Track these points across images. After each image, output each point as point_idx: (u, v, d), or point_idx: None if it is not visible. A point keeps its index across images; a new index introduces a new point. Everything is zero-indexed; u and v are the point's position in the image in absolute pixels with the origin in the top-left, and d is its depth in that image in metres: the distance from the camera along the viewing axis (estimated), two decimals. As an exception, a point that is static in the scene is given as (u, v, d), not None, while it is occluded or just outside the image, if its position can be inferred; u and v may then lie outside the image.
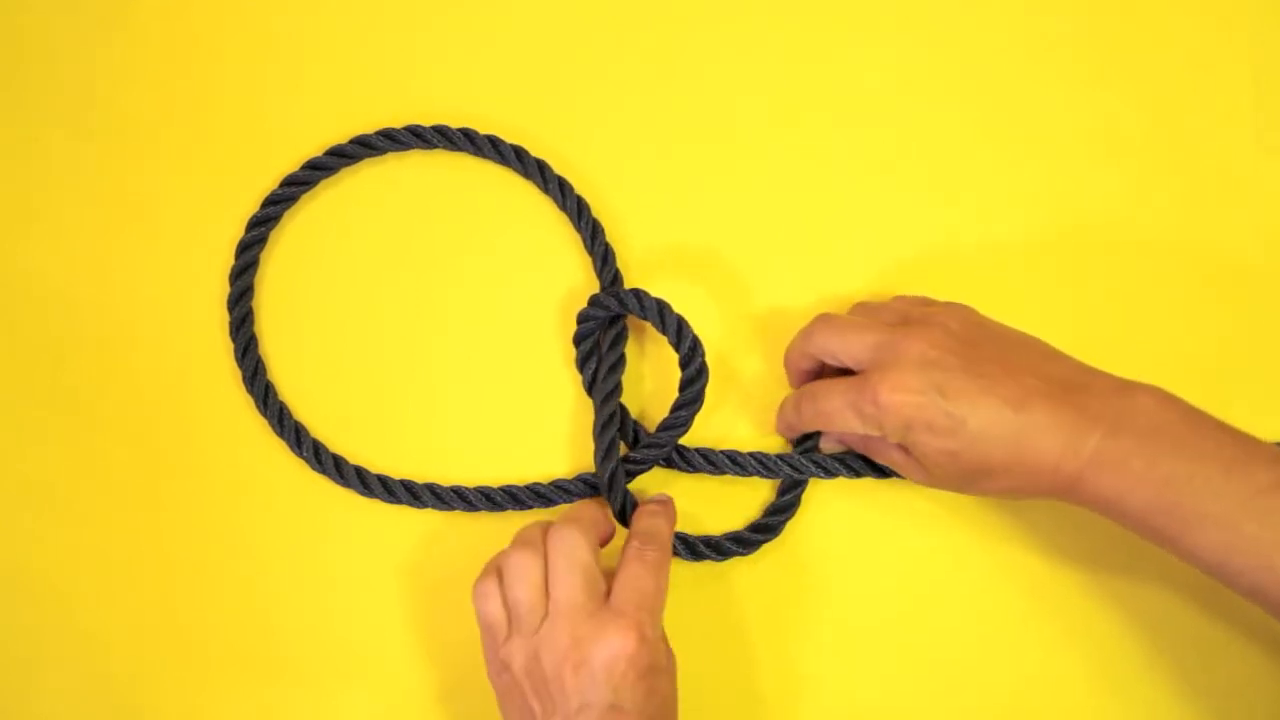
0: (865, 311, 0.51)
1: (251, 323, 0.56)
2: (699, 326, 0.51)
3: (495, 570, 0.47)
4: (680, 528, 0.52)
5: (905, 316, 0.49)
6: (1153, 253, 0.57)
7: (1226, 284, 0.56)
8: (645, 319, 0.51)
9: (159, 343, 0.56)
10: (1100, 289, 0.56)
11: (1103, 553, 0.51)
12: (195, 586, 0.54)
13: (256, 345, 0.56)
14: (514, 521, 0.52)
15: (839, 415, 0.47)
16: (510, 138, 0.57)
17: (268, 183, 0.58)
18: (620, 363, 0.52)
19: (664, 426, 0.51)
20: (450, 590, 0.51)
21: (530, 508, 0.53)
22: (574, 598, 0.45)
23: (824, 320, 0.49)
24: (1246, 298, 0.56)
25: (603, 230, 0.56)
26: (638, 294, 0.51)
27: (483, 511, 0.53)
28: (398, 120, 0.58)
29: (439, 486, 0.53)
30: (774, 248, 0.57)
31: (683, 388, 0.51)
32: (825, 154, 0.58)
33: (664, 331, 0.51)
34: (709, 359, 0.51)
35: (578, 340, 0.53)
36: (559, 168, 0.57)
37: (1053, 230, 0.57)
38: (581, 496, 0.53)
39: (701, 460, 0.52)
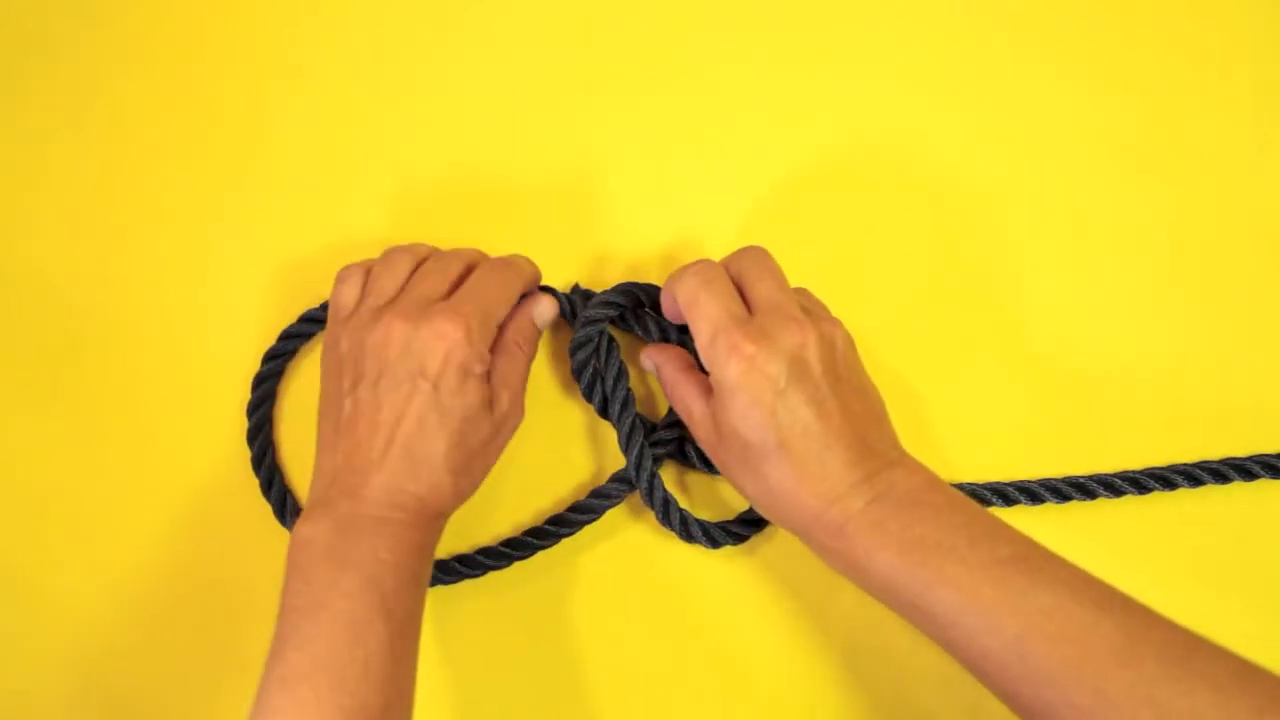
0: (785, 278, 0.50)
1: (273, 390, 0.56)
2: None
3: (369, 264, 0.50)
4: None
5: (808, 306, 0.49)
6: (1152, 252, 0.57)
7: (1226, 283, 0.56)
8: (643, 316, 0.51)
9: (160, 343, 0.56)
10: (1100, 288, 0.56)
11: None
12: (195, 587, 0.54)
13: (275, 387, 0.55)
14: (569, 548, 0.52)
15: (701, 320, 0.46)
16: (512, 138, 0.57)
17: (269, 182, 0.58)
18: (624, 371, 0.52)
19: (670, 423, 0.52)
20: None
21: (580, 526, 0.52)
22: (425, 292, 0.48)
23: (761, 251, 0.49)
24: (1246, 297, 0.56)
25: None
26: (638, 287, 0.52)
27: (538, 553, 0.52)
28: (396, 112, 0.58)
29: (465, 555, 0.52)
30: (773, 249, 0.57)
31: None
32: (823, 153, 0.58)
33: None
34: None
35: (578, 369, 0.52)
36: (560, 169, 0.57)
37: (1052, 230, 0.57)
38: (621, 497, 0.52)
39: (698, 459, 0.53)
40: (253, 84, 0.60)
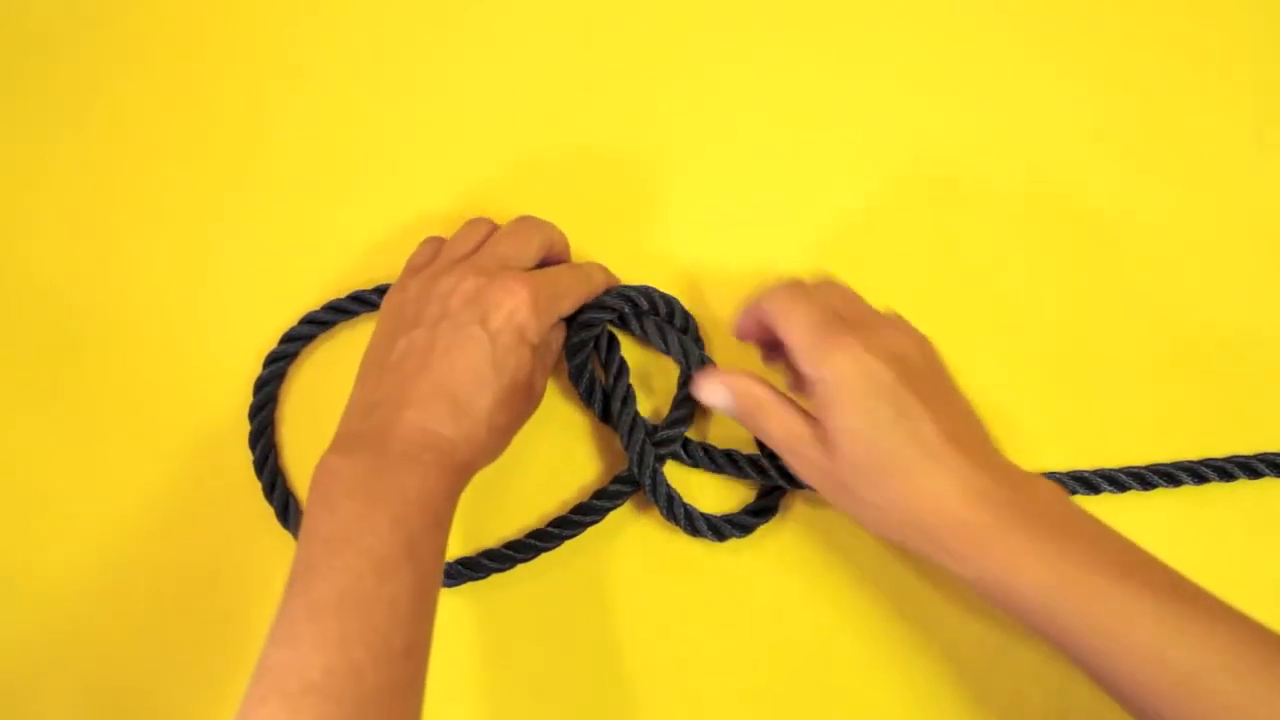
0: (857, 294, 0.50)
1: (274, 393, 0.56)
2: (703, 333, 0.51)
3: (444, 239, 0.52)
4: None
5: (893, 320, 0.48)
6: (1152, 251, 0.57)
7: (1225, 283, 0.57)
8: (648, 317, 0.52)
9: (160, 344, 0.56)
10: (1099, 288, 0.57)
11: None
12: (196, 590, 0.54)
13: (276, 390, 0.55)
14: (571, 550, 0.52)
15: (797, 323, 0.44)
16: (510, 137, 0.57)
17: (269, 183, 0.58)
18: (625, 368, 0.52)
19: (671, 422, 0.52)
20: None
21: (584, 528, 0.52)
22: (504, 253, 0.49)
23: (831, 278, 0.49)
24: (1246, 297, 0.56)
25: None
26: (637, 291, 0.52)
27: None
28: (395, 108, 0.58)
29: (468, 558, 0.52)
30: (771, 250, 0.57)
31: (675, 405, 0.52)
32: (825, 153, 0.58)
33: (672, 322, 0.52)
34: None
35: (576, 373, 0.52)
36: (559, 168, 0.57)
37: (1052, 229, 0.57)
38: (624, 498, 0.52)
39: (703, 455, 0.53)
40: (253, 84, 0.59)
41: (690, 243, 0.57)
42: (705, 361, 0.51)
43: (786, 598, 0.53)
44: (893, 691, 0.52)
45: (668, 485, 0.51)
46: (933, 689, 0.52)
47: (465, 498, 0.51)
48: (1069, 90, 0.59)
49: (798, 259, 0.57)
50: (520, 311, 0.46)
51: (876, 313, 0.47)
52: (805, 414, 0.45)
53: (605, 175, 0.58)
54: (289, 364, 0.55)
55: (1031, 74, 0.59)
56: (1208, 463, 0.54)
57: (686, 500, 0.52)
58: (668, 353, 0.52)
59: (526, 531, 0.53)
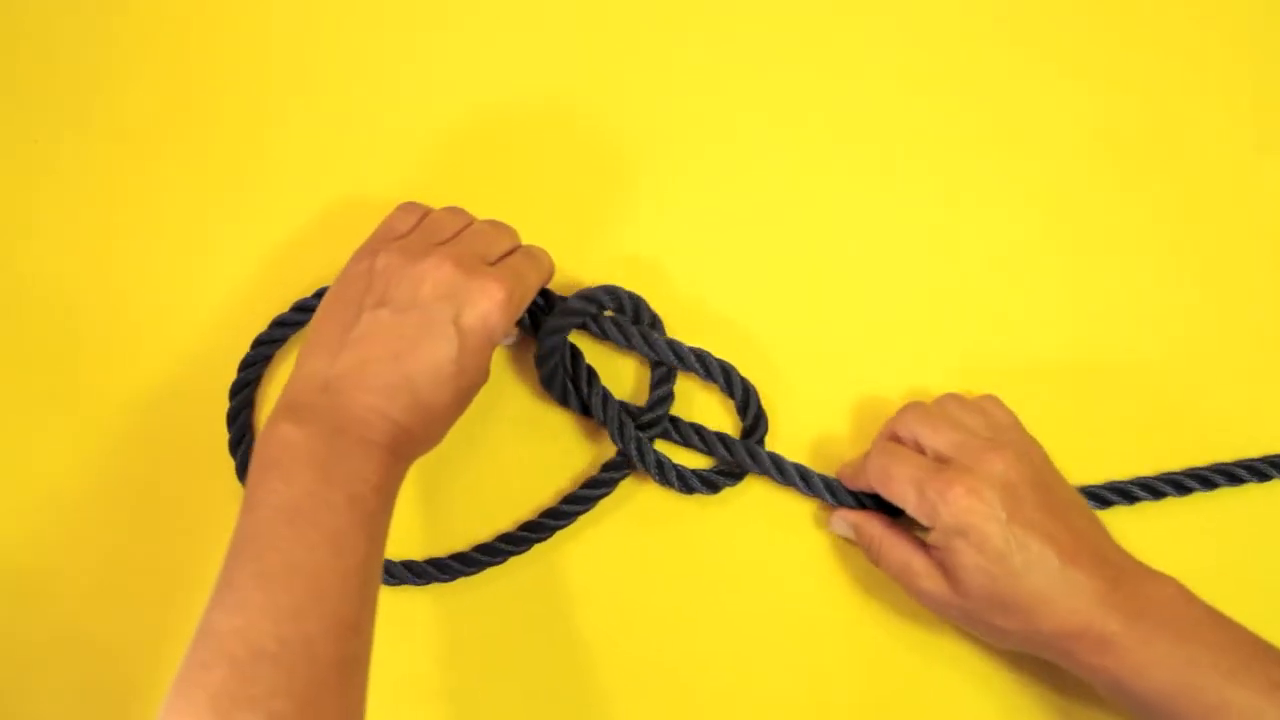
0: (955, 406, 0.51)
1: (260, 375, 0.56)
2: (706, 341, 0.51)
3: (429, 207, 0.50)
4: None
5: (991, 426, 0.49)
6: (1152, 252, 0.57)
7: (1226, 284, 0.57)
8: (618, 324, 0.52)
9: (160, 344, 0.56)
10: (1099, 289, 0.56)
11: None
12: (194, 589, 0.53)
13: (262, 373, 0.55)
14: (560, 537, 0.52)
15: (899, 484, 0.47)
16: (512, 138, 0.57)
17: (271, 180, 0.58)
18: (594, 374, 0.53)
19: (652, 404, 0.53)
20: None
21: (573, 519, 0.52)
22: (480, 250, 0.48)
23: (915, 407, 0.50)
24: (1246, 298, 0.56)
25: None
26: (605, 291, 0.52)
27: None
28: (395, 108, 0.58)
29: (464, 554, 0.53)
30: (770, 249, 0.57)
31: (654, 385, 0.53)
32: (823, 158, 0.58)
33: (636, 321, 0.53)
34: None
35: (547, 379, 0.52)
36: (557, 167, 0.57)
37: (1051, 231, 0.57)
38: (613, 486, 0.53)
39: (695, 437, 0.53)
40: (254, 84, 0.60)
41: (662, 241, 0.57)
42: (670, 344, 0.52)
43: (781, 580, 0.53)
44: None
45: (655, 453, 0.52)
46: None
47: (453, 497, 0.52)
48: (1069, 90, 0.59)
49: (797, 260, 0.57)
50: (494, 314, 0.46)
51: (964, 436, 0.48)
52: (920, 545, 0.48)
53: (597, 172, 0.58)
54: (264, 368, 0.55)
55: (1031, 74, 0.59)
56: (1193, 472, 0.53)
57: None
58: (631, 349, 0.52)
59: (518, 524, 0.53)
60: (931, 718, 0.52)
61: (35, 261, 0.57)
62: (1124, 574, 0.45)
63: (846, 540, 0.52)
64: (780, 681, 0.52)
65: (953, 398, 0.51)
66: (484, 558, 0.52)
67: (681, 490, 0.52)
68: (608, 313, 0.53)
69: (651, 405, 0.52)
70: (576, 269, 0.56)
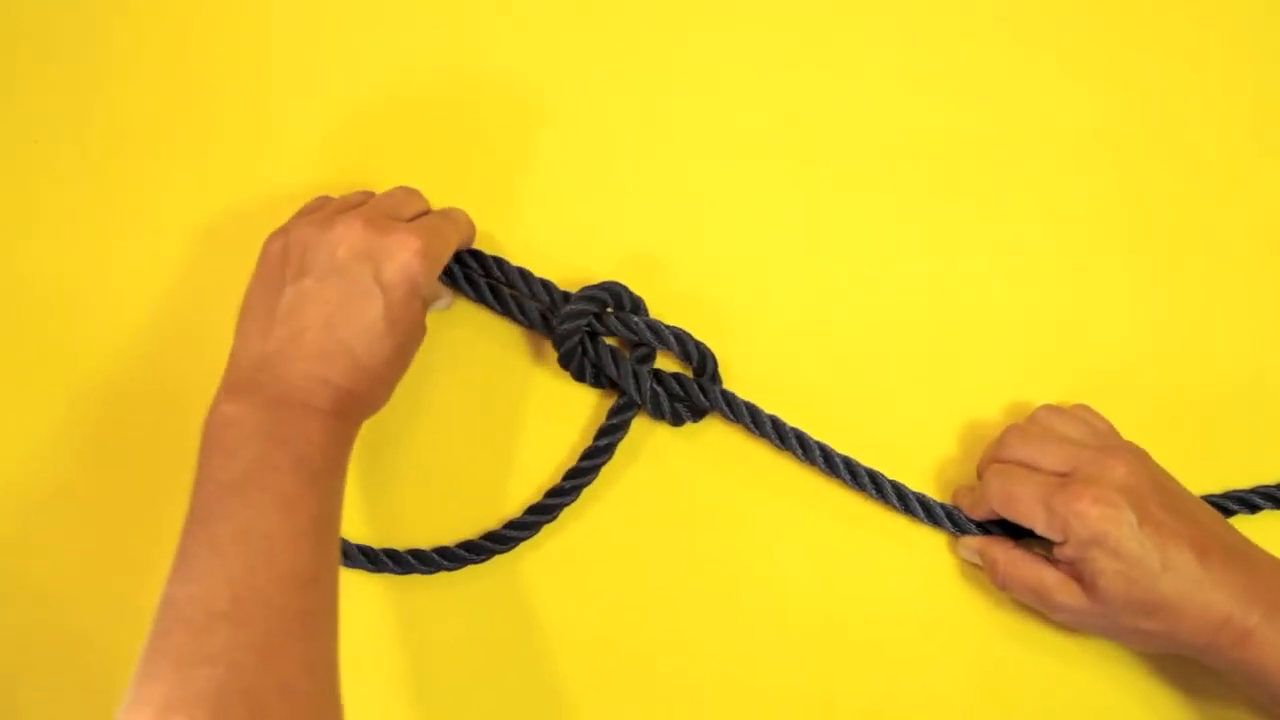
0: (1055, 420, 0.51)
1: None
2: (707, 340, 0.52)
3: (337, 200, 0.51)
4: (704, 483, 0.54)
5: (1095, 434, 0.49)
6: (1152, 253, 0.57)
7: (1226, 284, 0.57)
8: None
9: (160, 343, 0.56)
10: (1099, 289, 0.56)
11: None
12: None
13: None
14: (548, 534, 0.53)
15: (1026, 505, 0.47)
16: (513, 140, 0.57)
17: (271, 180, 0.58)
18: (618, 353, 0.53)
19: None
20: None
21: (573, 497, 0.53)
22: (389, 208, 0.49)
23: (1017, 430, 0.50)
24: (1245, 298, 0.56)
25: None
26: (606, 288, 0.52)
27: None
28: (393, 113, 0.58)
29: (446, 548, 0.53)
30: (768, 249, 0.57)
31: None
32: (822, 160, 0.58)
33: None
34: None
35: (565, 359, 0.53)
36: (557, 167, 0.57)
37: (1051, 231, 0.57)
38: (614, 449, 0.53)
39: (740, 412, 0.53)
40: (255, 84, 0.60)
41: (661, 241, 0.57)
42: (670, 330, 0.52)
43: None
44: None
45: (652, 384, 0.52)
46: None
47: (455, 487, 0.52)
48: (1069, 90, 0.59)
49: (796, 260, 0.57)
50: (413, 264, 0.46)
51: (1075, 450, 0.48)
52: (1047, 562, 0.48)
53: (595, 185, 0.58)
54: None
55: (1032, 74, 0.59)
56: (1232, 495, 0.53)
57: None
58: (633, 339, 0.53)
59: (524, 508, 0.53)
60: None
61: (35, 261, 0.57)
62: (1258, 566, 0.45)
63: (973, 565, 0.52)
64: (781, 681, 0.52)
65: (1047, 409, 0.51)
66: (469, 554, 0.52)
67: (673, 422, 0.52)
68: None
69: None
70: (581, 267, 0.56)
